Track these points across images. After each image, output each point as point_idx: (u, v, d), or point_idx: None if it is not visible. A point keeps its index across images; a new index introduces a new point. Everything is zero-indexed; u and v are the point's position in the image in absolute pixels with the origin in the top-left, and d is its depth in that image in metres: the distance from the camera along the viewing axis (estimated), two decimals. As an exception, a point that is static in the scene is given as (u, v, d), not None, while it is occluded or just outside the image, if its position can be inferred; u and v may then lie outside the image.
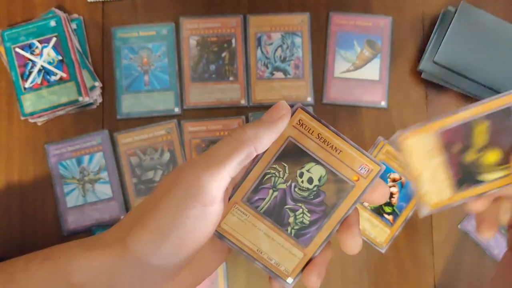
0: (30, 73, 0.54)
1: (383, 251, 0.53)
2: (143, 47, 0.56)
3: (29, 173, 0.55)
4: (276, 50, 0.56)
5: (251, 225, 0.28)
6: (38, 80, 0.54)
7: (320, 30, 0.57)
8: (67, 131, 0.55)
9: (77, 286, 0.26)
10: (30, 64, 0.54)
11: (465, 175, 0.34)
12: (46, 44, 0.54)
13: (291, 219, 0.28)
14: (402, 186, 0.54)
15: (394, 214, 0.54)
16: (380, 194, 0.28)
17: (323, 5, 0.57)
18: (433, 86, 0.56)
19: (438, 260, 0.54)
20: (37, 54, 0.54)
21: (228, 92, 0.56)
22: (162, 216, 0.25)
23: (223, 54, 0.57)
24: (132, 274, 0.25)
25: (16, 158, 0.55)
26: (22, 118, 0.54)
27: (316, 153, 0.28)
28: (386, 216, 0.54)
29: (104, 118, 0.56)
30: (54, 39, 0.54)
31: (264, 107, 0.56)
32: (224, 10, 0.57)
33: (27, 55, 0.54)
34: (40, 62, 0.54)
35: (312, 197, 0.28)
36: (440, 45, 0.53)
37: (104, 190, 0.54)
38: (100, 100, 0.56)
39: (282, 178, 0.28)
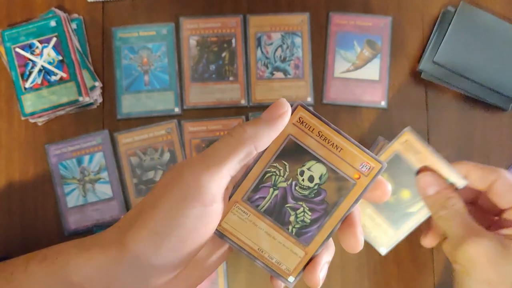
0: (30, 73, 0.54)
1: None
2: (143, 47, 0.56)
3: (30, 173, 0.55)
4: (276, 50, 0.56)
5: (251, 224, 0.28)
6: (39, 80, 0.54)
7: (320, 30, 0.57)
8: (67, 131, 0.55)
9: (76, 285, 0.26)
10: (30, 64, 0.54)
11: (396, 213, 0.44)
12: (46, 44, 0.54)
13: (292, 218, 0.28)
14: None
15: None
16: (382, 192, 0.28)
17: (323, 5, 0.57)
18: (433, 86, 0.56)
19: (438, 260, 0.54)
20: (37, 54, 0.54)
21: (228, 92, 0.56)
22: (161, 216, 0.25)
23: (223, 54, 0.56)
24: (131, 274, 0.25)
25: (16, 158, 0.55)
26: (23, 118, 0.54)
27: (316, 151, 0.28)
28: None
29: (104, 118, 0.56)
30: (54, 39, 0.54)
31: (264, 107, 0.55)
32: (224, 10, 0.57)
33: (27, 55, 0.54)
34: (40, 62, 0.54)
35: (313, 195, 0.28)
36: (440, 45, 0.54)
37: (104, 190, 0.54)
38: (100, 100, 0.56)
39: (283, 176, 0.28)
